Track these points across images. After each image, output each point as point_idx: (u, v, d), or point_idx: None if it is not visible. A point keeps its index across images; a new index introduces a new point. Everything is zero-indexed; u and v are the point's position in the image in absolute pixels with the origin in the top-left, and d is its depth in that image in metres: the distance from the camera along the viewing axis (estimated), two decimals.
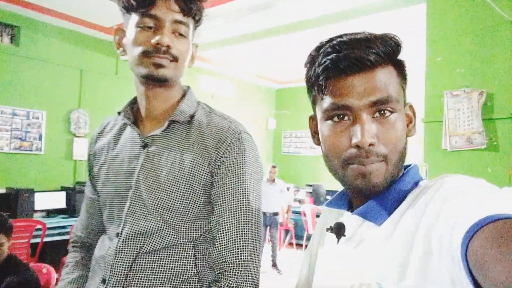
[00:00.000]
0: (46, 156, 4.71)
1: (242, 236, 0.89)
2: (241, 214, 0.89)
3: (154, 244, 0.90)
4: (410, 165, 0.69)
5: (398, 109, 0.63)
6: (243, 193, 0.91)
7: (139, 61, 0.90)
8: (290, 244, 6.66)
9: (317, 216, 6.18)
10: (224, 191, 0.91)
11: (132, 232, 0.91)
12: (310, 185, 6.89)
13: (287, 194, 6.10)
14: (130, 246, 0.91)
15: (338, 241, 0.69)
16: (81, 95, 5.05)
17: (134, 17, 0.90)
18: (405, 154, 0.65)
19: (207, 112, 0.99)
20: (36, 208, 4.23)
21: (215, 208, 0.92)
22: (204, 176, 0.91)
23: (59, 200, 4.46)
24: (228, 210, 0.90)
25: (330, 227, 0.70)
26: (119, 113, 1.04)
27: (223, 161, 0.91)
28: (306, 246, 6.42)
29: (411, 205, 0.61)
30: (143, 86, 0.96)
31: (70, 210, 4.44)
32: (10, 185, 4.28)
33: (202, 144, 0.93)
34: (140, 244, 0.90)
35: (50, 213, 4.39)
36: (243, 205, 0.90)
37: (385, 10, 3.47)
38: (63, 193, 4.51)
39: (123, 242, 0.91)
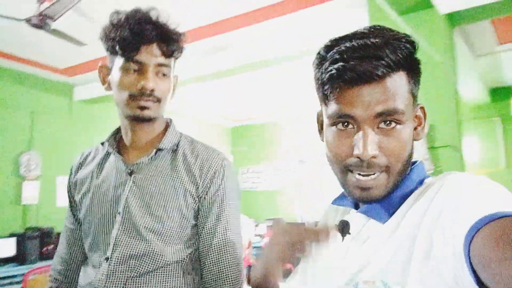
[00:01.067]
0: None
1: (227, 265, 0.96)
2: (226, 243, 0.97)
3: (144, 267, 0.93)
4: (415, 162, 0.68)
5: (404, 120, 0.61)
6: (228, 217, 0.99)
7: (125, 103, 0.97)
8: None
9: None
10: (210, 218, 0.98)
11: (122, 256, 0.94)
12: (271, 219, 6.95)
13: (247, 230, 6.10)
14: (121, 269, 0.93)
15: (343, 239, 0.69)
16: (32, 137, 4.87)
17: (119, 60, 0.96)
18: (410, 160, 0.64)
19: (189, 142, 1.07)
20: None
21: (202, 235, 0.98)
22: (191, 200, 0.98)
23: (7, 248, 4.17)
24: (215, 237, 0.97)
25: (336, 225, 0.70)
26: (102, 143, 1.09)
27: (209, 187, 0.98)
28: None
29: (415, 203, 0.60)
30: (128, 121, 1.02)
31: (20, 258, 4.15)
32: None
33: (188, 170, 0.99)
34: (131, 268, 0.93)
35: None
36: (227, 229, 0.98)
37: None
38: (13, 240, 4.22)
39: (114, 266, 0.94)
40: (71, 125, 5.29)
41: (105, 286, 0.93)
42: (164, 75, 0.99)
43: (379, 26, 0.63)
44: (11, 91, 4.73)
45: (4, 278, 3.83)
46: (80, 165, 1.13)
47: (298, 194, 7.44)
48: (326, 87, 0.62)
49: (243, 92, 6.09)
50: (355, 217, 0.69)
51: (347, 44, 0.60)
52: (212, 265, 0.96)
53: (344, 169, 0.64)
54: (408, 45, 0.61)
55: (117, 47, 0.93)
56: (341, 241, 0.69)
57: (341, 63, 0.59)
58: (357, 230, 0.68)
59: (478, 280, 0.46)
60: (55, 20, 3.18)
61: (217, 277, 0.96)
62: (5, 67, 4.67)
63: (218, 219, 0.98)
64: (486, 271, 0.44)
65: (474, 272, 0.46)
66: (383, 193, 0.62)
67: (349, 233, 0.68)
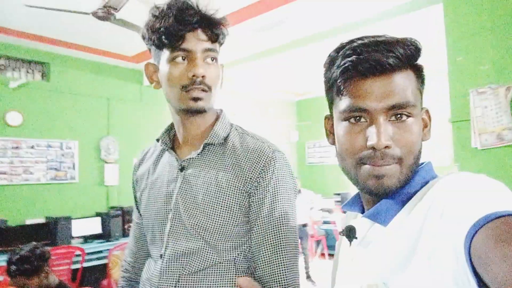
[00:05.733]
0: (80, 184, 4.88)
1: (282, 256, 0.91)
2: (280, 234, 0.91)
3: (196, 265, 0.92)
4: (423, 163, 0.68)
5: (415, 114, 0.63)
6: (280, 213, 0.92)
7: (177, 96, 0.94)
8: (322, 254, 6.59)
9: None
10: (262, 212, 0.92)
11: (175, 253, 0.94)
12: (338, 194, 6.84)
13: (312, 205, 6.09)
14: (174, 267, 0.94)
15: (350, 243, 0.70)
16: (109, 123, 5.24)
17: (165, 52, 0.94)
18: (419, 158, 0.65)
19: (240, 134, 1.02)
20: (73, 234, 4.37)
21: (254, 229, 0.94)
22: (240, 196, 0.93)
23: (95, 226, 4.59)
24: (268, 230, 0.92)
25: (342, 230, 0.72)
26: (157, 140, 1.08)
27: (259, 181, 0.93)
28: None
29: (416, 205, 0.60)
30: (179, 116, 1.00)
31: (106, 235, 4.56)
32: (49, 214, 4.46)
33: (237, 165, 0.95)
34: (183, 265, 0.93)
35: (87, 239, 4.52)
36: (281, 224, 0.92)
37: (401, 14, 3.48)
38: (98, 219, 4.64)
39: (166, 263, 0.94)
40: (142, 109, 5.59)
41: (159, 282, 0.94)
42: (212, 59, 0.96)
43: (388, 35, 0.66)
44: (89, 80, 5.10)
45: (92, 253, 4.24)
46: (141, 162, 1.15)
47: None
48: (339, 81, 0.64)
49: (305, 65, 5.94)
50: (361, 222, 0.70)
51: (359, 41, 0.63)
52: (266, 255, 0.92)
53: (357, 163, 0.64)
54: (416, 44, 0.63)
55: (163, 38, 0.91)
56: (349, 246, 0.71)
57: (354, 56, 0.61)
58: (362, 235, 0.68)
59: (479, 281, 0.46)
60: (118, 10, 3.31)
61: (272, 266, 0.91)
62: (81, 58, 5.02)
63: (271, 212, 0.92)
64: (486, 270, 0.44)
65: (475, 272, 0.46)
66: (396, 184, 0.62)
67: (356, 238, 0.69)
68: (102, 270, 4.15)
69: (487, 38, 2.55)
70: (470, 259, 0.46)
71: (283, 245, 0.91)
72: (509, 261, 0.41)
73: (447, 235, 0.51)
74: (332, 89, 0.67)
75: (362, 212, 0.73)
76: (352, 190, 6.94)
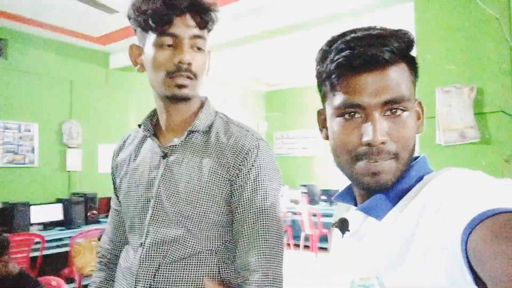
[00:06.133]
0: (39, 168, 4.67)
1: (262, 244, 0.89)
2: (261, 222, 0.90)
3: (177, 253, 0.91)
4: (418, 157, 0.68)
5: (409, 108, 0.62)
6: (262, 201, 0.91)
7: (162, 82, 0.92)
8: (288, 244, 6.70)
9: (314, 215, 6.23)
10: (243, 199, 0.91)
11: (155, 241, 0.92)
12: (305, 185, 6.94)
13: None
14: (154, 255, 0.92)
15: (342, 236, 0.70)
16: (72, 106, 5.02)
17: (152, 36, 0.91)
18: (414, 151, 0.65)
19: (225, 122, 1.01)
20: (32, 221, 4.18)
21: (235, 217, 0.92)
22: (223, 184, 0.92)
23: (55, 213, 4.42)
24: (248, 218, 0.90)
25: (335, 222, 0.71)
26: (139, 125, 1.06)
27: (241, 169, 0.92)
28: (305, 246, 6.47)
29: (412, 200, 0.60)
30: (163, 102, 0.98)
31: (67, 222, 4.40)
32: (6, 200, 4.23)
33: (220, 153, 0.94)
34: (163, 253, 0.91)
35: (47, 226, 4.35)
36: (262, 212, 0.90)
37: (373, 11, 3.54)
38: (59, 205, 4.47)
39: (146, 251, 0.93)
40: (108, 93, 5.40)
41: (138, 271, 0.92)
42: (199, 48, 0.93)
43: (380, 27, 0.65)
44: (50, 60, 4.85)
45: (53, 240, 4.09)
46: (121, 148, 1.13)
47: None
48: (333, 77, 0.63)
49: (277, 56, 5.94)
50: (354, 215, 0.69)
51: (352, 35, 0.62)
52: (245, 243, 0.90)
53: (352, 159, 0.63)
54: (409, 36, 0.62)
55: (149, 21, 0.89)
56: (341, 238, 0.70)
57: (348, 51, 0.60)
58: (355, 228, 0.68)
59: (475, 278, 0.46)
60: None
61: (250, 255, 0.89)
62: (43, 37, 4.76)
63: (251, 200, 0.90)
64: (484, 267, 0.44)
65: (471, 269, 0.46)
66: (392, 180, 0.62)
67: (348, 230, 0.69)
68: (63, 259, 4.01)
69: (455, 39, 2.64)
70: (467, 256, 0.46)
71: (262, 234, 0.89)
72: (507, 258, 0.41)
73: (442, 233, 0.51)
74: (325, 84, 0.66)
75: (355, 204, 0.72)
76: (318, 182, 7.08)
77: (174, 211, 0.92)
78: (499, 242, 0.43)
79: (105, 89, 5.39)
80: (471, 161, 2.56)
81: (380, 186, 0.62)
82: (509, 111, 2.64)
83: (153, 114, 1.06)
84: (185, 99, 0.95)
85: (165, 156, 0.98)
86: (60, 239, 4.16)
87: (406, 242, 0.57)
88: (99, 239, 2.13)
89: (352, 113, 0.63)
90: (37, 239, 3.81)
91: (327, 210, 6.51)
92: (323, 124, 0.72)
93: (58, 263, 4.05)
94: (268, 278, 0.87)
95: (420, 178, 0.64)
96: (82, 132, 5.07)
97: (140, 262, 0.93)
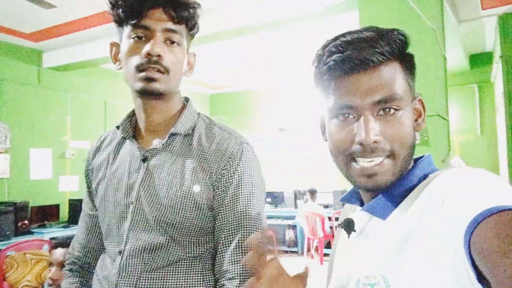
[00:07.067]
0: None
1: (242, 251, 0.86)
2: (242, 228, 0.87)
3: (159, 261, 0.87)
4: (422, 156, 0.69)
5: (403, 106, 0.62)
6: (244, 206, 0.88)
7: (133, 75, 0.89)
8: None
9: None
10: (225, 204, 0.88)
11: (135, 248, 0.88)
12: None
13: None
14: (134, 263, 0.87)
15: (348, 236, 0.71)
16: (0, 107, 4.60)
17: (126, 30, 0.90)
18: (413, 149, 0.65)
19: (207, 124, 0.98)
20: None
21: (217, 222, 0.89)
22: (206, 189, 0.89)
23: None
24: (229, 224, 0.87)
25: (341, 223, 0.72)
26: (117, 127, 1.00)
27: (223, 174, 0.89)
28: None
29: (416, 199, 0.60)
30: (140, 99, 0.94)
31: None
32: None
33: (203, 157, 0.91)
34: (145, 261, 0.87)
35: None
36: (245, 218, 0.87)
37: (319, 17, 3.65)
38: None
39: (126, 260, 0.88)
40: (41, 94, 5.02)
41: (117, 280, 0.87)
42: (173, 42, 0.90)
43: (373, 26, 0.66)
44: None
45: None
46: (97, 150, 1.07)
47: (279, 163, 7.46)
48: (325, 79, 0.64)
49: (221, 59, 5.91)
50: (359, 215, 0.70)
51: (343, 39, 0.63)
52: (225, 248, 0.86)
53: (347, 159, 0.64)
54: (401, 37, 0.63)
55: (121, 14, 0.88)
56: (347, 239, 0.71)
57: (337, 55, 0.61)
58: (361, 228, 0.69)
59: (479, 276, 0.46)
60: None
61: (229, 262, 0.85)
62: None
63: (233, 204, 0.87)
64: (486, 264, 0.44)
65: (475, 266, 0.46)
66: (390, 179, 0.62)
67: (354, 230, 0.69)
68: None
69: None
70: (470, 254, 0.46)
71: (242, 240, 0.86)
72: (509, 255, 0.42)
73: (446, 230, 0.51)
74: (319, 87, 0.67)
75: (361, 205, 0.72)
76: (280, 189, 7.13)
77: (155, 217, 0.88)
78: (503, 240, 0.43)
79: (37, 89, 5.00)
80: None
81: (378, 186, 0.63)
82: (444, 115, 2.86)
83: (132, 115, 1.01)
84: (157, 94, 0.90)
85: (145, 159, 0.94)
86: None
87: (410, 241, 0.57)
88: (51, 250, 1.95)
89: (346, 114, 0.63)
90: None
91: (272, 212, 6.59)
92: (323, 128, 0.72)
93: None
94: (244, 284, 0.85)
95: (424, 177, 0.64)
96: (11, 136, 4.65)
97: (120, 271, 0.88)
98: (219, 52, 5.48)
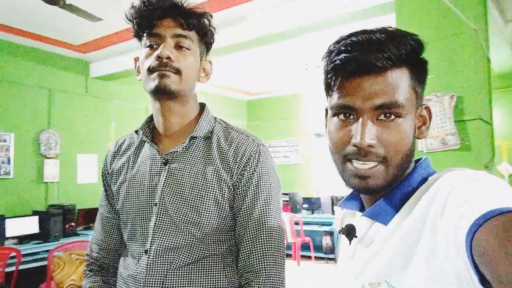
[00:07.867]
0: (15, 180, 4.51)
1: (265, 245, 0.91)
2: (263, 225, 0.92)
3: (184, 259, 0.92)
4: (420, 159, 0.68)
5: (405, 113, 0.61)
6: (264, 205, 0.94)
7: (147, 77, 0.95)
8: None
9: (296, 223, 6.23)
10: (246, 203, 0.94)
11: (161, 247, 0.92)
12: (287, 194, 6.95)
13: None
14: (161, 262, 0.92)
15: (350, 242, 0.70)
16: (50, 115, 4.90)
17: (142, 42, 0.98)
18: (411, 156, 0.64)
19: (224, 128, 1.03)
20: (7, 235, 4.03)
21: (238, 220, 0.94)
22: (227, 190, 0.94)
23: (31, 225, 4.27)
24: (251, 222, 0.93)
25: (342, 228, 0.72)
26: (136, 131, 1.05)
27: (243, 174, 0.94)
28: (288, 255, 6.45)
29: (417, 203, 0.60)
30: (157, 102, 0.99)
31: (44, 235, 4.26)
32: None
33: (223, 158, 0.96)
34: (170, 260, 0.91)
35: (23, 239, 4.19)
36: (265, 216, 0.93)
37: (356, 21, 3.61)
38: (36, 218, 4.32)
39: (153, 258, 0.92)
40: (88, 102, 5.30)
41: (145, 279, 0.91)
42: (182, 47, 0.96)
43: (388, 26, 0.64)
44: (29, 69, 4.73)
45: (28, 255, 3.93)
46: (115, 154, 1.10)
47: (315, 168, 7.39)
48: (329, 77, 0.64)
49: (258, 65, 5.97)
50: (360, 220, 0.70)
51: (353, 38, 0.62)
52: (247, 247, 0.91)
53: (343, 159, 0.65)
54: (412, 42, 0.61)
55: (136, 26, 0.96)
56: (348, 245, 0.71)
57: (344, 54, 0.61)
58: (362, 234, 0.68)
59: (481, 278, 0.46)
60: None
61: (251, 260, 0.91)
62: (22, 45, 4.65)
63: (254, 203, 0.93)
64: (487, 266, 0.44)
65: (477, 269, 0.46)
66: (381, 184, 0.62)
67: (356, 236, 0.69)
68: (40, 273, 3.86)
69: (435, 49, 2.72)
70: (472, 256, 0.46)
71: (265, 237, 0.92)
72: (510, 257, 0.41)
73: (448, 233, 0.50)
74: (325, 83, 0.68)
75: (361, 209, 0.72)
76: (300, 191, 7.10)
77: (179, 217, 0.93)
78: (505, 242, 0.43)
79: (84, 98, 5.29)
80: (452, 167, 2.62)
81: (368, 189, 0.64)
82: (486, 118, 2.73)
83: (150, 120, 1.06)
84: (170, 93, 0.95)
85: (166, 162, 0.98)
86: (37, 253, 4.01)
87: (413, 244, 0.57)
88: None
89: (347, 114, 0.64)
90: (13, 253, 3.66)
91: (309, 218, 6.53)
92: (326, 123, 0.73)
93: (34, 278, 3.90)
94: (271, 279, 0.90)
95: (424, 180, 0.64)
96: (61, 142, 4.94)
97: (148, 269, 0.92)
98: (256, 58, 5.55)
